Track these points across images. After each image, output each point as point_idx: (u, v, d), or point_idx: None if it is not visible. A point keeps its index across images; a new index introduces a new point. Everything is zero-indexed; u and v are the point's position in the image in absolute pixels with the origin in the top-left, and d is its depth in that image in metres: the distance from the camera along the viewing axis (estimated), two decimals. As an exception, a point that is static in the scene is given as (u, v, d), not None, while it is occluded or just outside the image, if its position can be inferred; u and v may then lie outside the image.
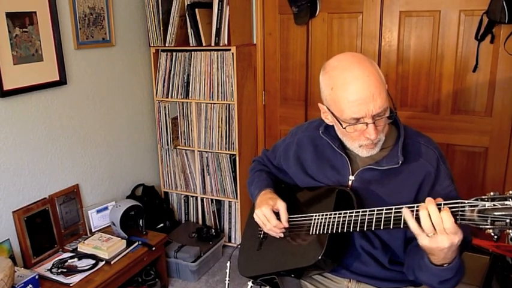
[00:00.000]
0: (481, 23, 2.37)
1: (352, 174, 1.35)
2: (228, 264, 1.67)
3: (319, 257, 1.25)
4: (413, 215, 1.08)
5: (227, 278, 1.65)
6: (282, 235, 1.40)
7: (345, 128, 1.25)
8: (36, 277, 2.00)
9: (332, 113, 1.28)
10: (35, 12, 2.16)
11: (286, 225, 1.37)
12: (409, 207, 1.10)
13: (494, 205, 0.96)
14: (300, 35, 2.85)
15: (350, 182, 1.35)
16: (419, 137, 1.35)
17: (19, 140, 2.18)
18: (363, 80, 1.19)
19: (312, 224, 1.33)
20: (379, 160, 1.31)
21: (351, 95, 1.20)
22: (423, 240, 1.08)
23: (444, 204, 1.04)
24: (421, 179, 1.28)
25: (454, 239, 1.04)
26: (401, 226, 1.12)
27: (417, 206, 1.09)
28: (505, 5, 2.20)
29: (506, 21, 2.23)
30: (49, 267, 2.17)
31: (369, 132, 1.22)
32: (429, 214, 1.04)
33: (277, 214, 1.39)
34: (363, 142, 1.26)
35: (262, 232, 1.50)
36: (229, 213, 3.01)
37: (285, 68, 2.95)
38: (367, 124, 1.21)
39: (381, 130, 1.25)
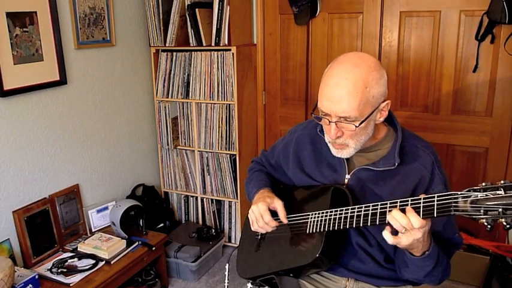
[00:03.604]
0: (481, 24, 2.36)
1: (349, 173, 1.36)
2: (226, 266, 1.67)
3: (317, 255, 1.26)
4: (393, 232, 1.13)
5: (226, 280, 1.65)
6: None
7: (311, 114, 1.32)
8: (36, 277, 2.00)
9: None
10: (35, 12, 2.16)
11: (285, 221, 1.38)
12: (392, 203, 1.14)
13: (486, 195, 0.97)
14: (300, 35, 2.85)
15: (346, 181, 1.36)
16: (416, 141, 1.35)
17: (19, 140, 2.19)
18: (339, 80, 1.21)
19: (309, 223, 1.34)
20: (376, 161, 1.32)
21: (325, 89, 1.24)
22: (402, 242, 1.12)
23: (437, 196, 1.05)
24: (415, 182, 1.29)
25: (426, 228, 1.09)
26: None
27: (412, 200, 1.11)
28: (505, 5, 2.20)
29: (507, 22, 2.23)
30: (49, 267, 2.17)
31: (327, 129, 1.27)
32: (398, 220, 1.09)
33: (274, 213, 1.39)
34: (328, 138, 1.31)
35: (259, 233, 1.50)
36: (229, 213, 3.01)
37: (285, 68, 2.95)
38: (329, 122, 1.24)
39: (348, 136, 1.26)
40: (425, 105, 2.63)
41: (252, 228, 1.43)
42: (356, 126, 1.22)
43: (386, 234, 1.12)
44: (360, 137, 1.27)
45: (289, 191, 1.50)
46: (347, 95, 1.19)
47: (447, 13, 2.45)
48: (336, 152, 1.32)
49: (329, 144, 1.33)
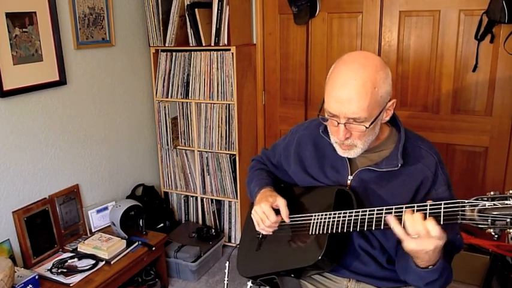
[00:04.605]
0: (480, 23, 2.37)
1: (351, 174, 1.35)
2: (227, 264, 1.67)
3: (319, 257, 1.25)
4: (400, 222, 1.09)
5: (226, 279, 1.65)
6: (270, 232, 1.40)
7: (318, 115, 1.31)
8: (36, 277, 2.00)
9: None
10: (35, 12, 2.16)
11: (288, 220, 1.37)
12: (398, 208, 1.12)
13: (494, 204, 0.96)
14: (299, 35, 2.85)
15: (349, 182, 1.35)
16: (419, 141, 1.35)
17: (19, 140, 2.18)
18: (347, 81, 1.20)
19: (312, 224, 1.33)
20: (379, 162, 1.31)
21: (333, 90, 1.22)
22: (410, 245, 1.09)
23: (444, 203, 1.04)
24: (418, 183, 1.28)
25: (439, 242, 1.06)
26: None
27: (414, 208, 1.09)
28: (504, 4, 2.20)
29: (506, 21, 2.23)
30: (49, 267, 2.17)
31: (335, 130, 1.26)
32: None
33: (277, 212, 1.38)
34: (335, 139, 1.30)
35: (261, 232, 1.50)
36: (229, 213, 3.01)
37: (284, 68, 2.95)
38: (338, 123, 1.23)
39: (357, 137, 1.25)
40: (425, 105, 2.63)
41: (257, 229, 1.42)
42: (366, 127, 1.21)
43: (391, 220, 1.09)
44: (367, 138, 1.26)
45: (290, 191, 1.50)
46: (356, 96, 1.18)
47: (446, 12, 2.46)
48: (342, 152, 1.31)
49: (335, 145, 1.32)
